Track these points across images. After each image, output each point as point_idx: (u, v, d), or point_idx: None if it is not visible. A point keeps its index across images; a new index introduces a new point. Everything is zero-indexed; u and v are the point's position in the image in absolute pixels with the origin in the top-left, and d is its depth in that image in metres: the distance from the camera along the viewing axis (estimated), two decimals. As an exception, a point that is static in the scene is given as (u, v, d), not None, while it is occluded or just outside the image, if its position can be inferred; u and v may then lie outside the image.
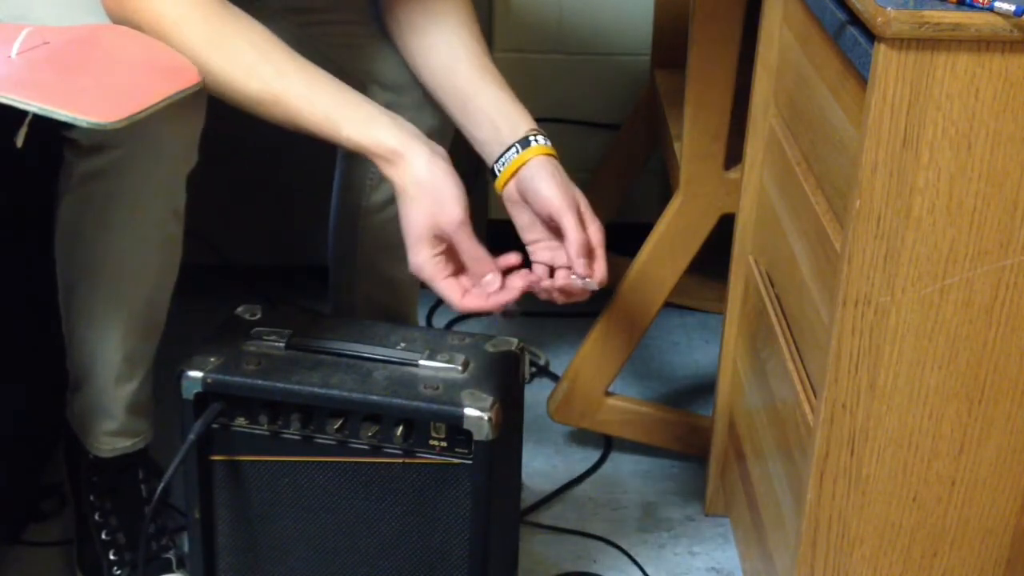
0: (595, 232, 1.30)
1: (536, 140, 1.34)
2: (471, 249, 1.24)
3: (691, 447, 1.75)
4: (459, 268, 1.25)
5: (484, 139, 1.37)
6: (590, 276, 1.28)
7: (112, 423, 1.44)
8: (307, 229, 1.92)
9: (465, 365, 1.30)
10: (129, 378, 1.42)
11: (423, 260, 1.24)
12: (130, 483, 1.49)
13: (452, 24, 1.41)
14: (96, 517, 1.48)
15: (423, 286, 1.69)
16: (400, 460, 1.28)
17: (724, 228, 1.59)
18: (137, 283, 1.37)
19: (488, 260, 1.25)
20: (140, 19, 1.20)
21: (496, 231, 2.17)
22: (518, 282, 1.25)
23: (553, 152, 1.34)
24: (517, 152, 1.33)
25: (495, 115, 1.36)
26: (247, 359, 1.30)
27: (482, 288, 1.24)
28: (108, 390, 1.42)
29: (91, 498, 1.48)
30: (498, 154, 1.35)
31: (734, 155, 1.56)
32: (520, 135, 1.34)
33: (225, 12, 1.22)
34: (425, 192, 1.22)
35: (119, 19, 1.22)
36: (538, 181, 1.31)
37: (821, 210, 1.19)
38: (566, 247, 1.28)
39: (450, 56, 1.40)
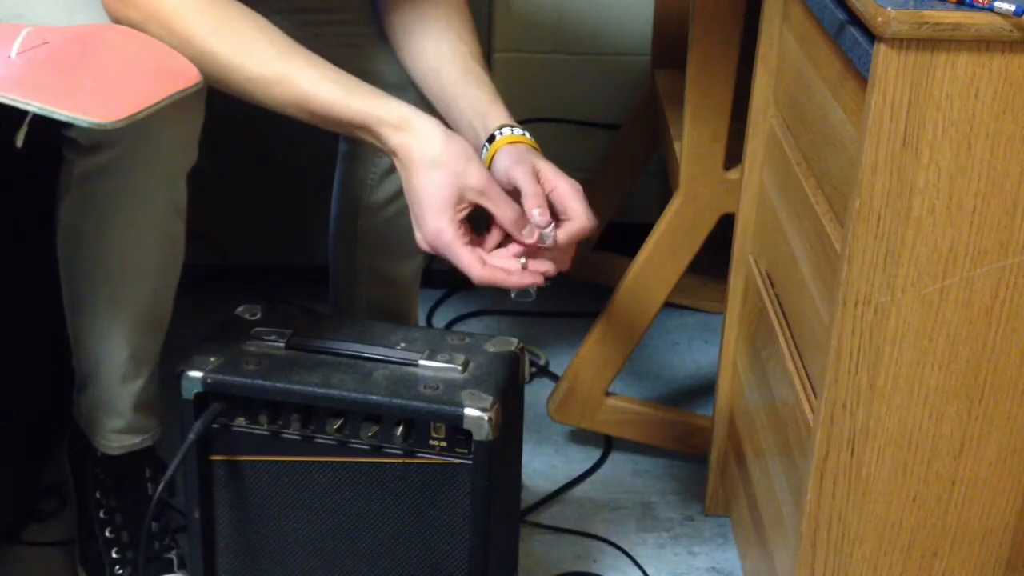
0: (567, 187, 1.26)
1: (502, 132, 1.31)
2: (506, 208, 1.21)
3: (691, 447, 1.75)
4: (472, 239, 1.23)
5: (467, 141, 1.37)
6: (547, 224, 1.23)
7: (119, 421, 1.44)
8: (307, 229, 1.92)
9: (465, 365, 1.30)
10: (135, 376, 1.42)
11: (444, 225, 1.20)
12: (136, 481, 1.49)
13: (441, 27, 1.40)
14: (101, 515, 1.48)
15: (422, 285, 1.69)
16: (400, 460, 1.28)
17: (724, 228, 1.59)
18: (140, 281, 1.37)
19: (522, 216, 1.22)
20: (140, 10, 1.20)
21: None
22: (542, 267, 1.23)
23: (522, 139, 1.31)
24: (486, 150, 1.31)
25: (473, 116, 1.35)
26: (247, 359, 1.30)
27: (502, 263, 1.22)
28: (114, 388, 1.42)
29: (96, 495, 1.48)
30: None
31: (734, 155, 1.56)
32: (491, 132, 1.32)
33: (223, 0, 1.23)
34: (449, 156, 1.20)
35: (118, 15, 1.22)
36: (499, 162, 1.28)
37: (821, 210, 1.19)
38: (524, 201, 1.23)
39: (436, 59, 1.40)
